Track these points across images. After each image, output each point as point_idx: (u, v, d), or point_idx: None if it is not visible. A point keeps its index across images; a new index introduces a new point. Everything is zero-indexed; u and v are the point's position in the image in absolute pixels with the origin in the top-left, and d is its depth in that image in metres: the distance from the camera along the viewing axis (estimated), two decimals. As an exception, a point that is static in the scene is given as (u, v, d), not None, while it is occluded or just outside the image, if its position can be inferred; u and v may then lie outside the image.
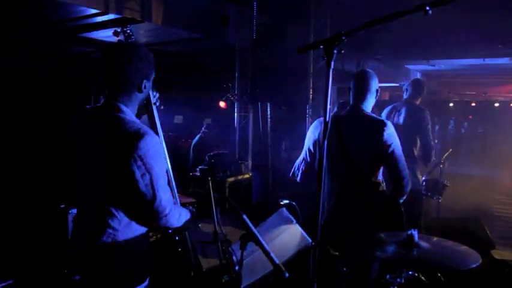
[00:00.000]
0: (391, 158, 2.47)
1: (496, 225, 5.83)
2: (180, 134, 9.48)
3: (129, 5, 5.12)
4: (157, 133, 1.97)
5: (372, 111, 2.63)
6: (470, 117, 12.81)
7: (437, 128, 9.53)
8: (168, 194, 1.75)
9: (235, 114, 7.10)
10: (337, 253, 2.19)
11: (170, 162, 2.09)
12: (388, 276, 2.03)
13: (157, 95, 2.06)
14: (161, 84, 2.21)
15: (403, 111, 4.24)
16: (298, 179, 2.88)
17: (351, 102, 2.63)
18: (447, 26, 7.75)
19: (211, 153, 5.95)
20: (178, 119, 10.75)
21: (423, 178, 4.25)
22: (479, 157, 9.63)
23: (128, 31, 2.66)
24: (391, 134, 2.47)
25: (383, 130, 2.44)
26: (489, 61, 10.07)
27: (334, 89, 7.76)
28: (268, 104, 6.12)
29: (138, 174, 1.65)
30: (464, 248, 1.88)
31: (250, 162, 6.83)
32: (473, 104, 12.59)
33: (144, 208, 1.70)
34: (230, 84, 7.00)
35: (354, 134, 2.52)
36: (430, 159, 4.10)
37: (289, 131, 6.82)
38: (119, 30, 3.14)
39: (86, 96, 7.97)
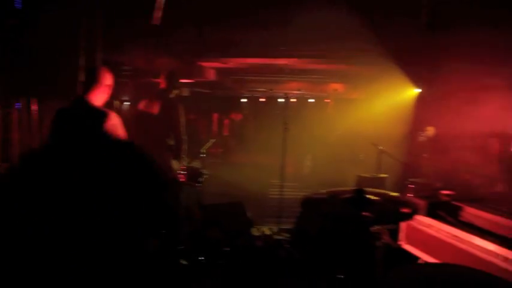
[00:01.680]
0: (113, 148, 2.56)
1: (269, 206, 6.54)
2: None
3: None
4: None
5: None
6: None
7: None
8: None
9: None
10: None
11: None
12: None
13: None
14: None
15: (158, 103, 4.38)
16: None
17: (79, 95, 2.64)
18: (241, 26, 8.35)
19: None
20: None
21: (184, 167, 4.50)
22: (263, 147, 10.59)
23: None
24: (113, 125, 2.56)
25: (103, 121, 2.52)
26: (271, 61, 11.25)
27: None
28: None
29: None
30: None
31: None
32: (262, 100, 14.01)
33: None
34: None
35: (77, 125, 2.54)
36: (181, 151, 4.33)
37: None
38: None
39: None
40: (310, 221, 3.87)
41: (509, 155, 4.35)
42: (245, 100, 14.66)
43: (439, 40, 6.49)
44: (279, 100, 14.48)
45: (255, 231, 5.05)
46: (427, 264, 2.58)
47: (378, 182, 5.73)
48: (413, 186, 4.66)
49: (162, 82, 4.48)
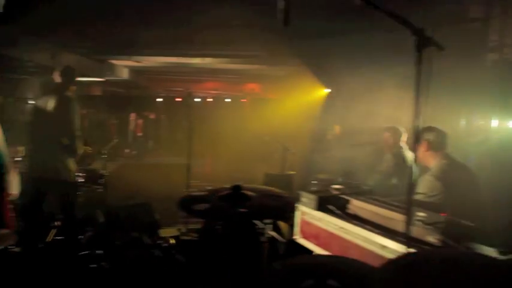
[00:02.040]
0: None
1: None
2: None
3: None
4: None
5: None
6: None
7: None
8: None
9: None
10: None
11: None
12: None
13: None
14: None
15: (52, 100, 4.17)
16: None
17: None
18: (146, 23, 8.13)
19: None
20: None
21: (83, 168, 4.31)
22: (181, 147, 10.51)
23: None
24: None
25: None
26: (184, 60, 11.13)
27: None
28: None
29: None
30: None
31: None
32: (178, 100, 13.84)
33: None
34: None
35: None
36: (75, 150, 4.15)
37: None
38: None
39: None
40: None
41: (399, 149, 4.65)
42: (161, 100, 14.41)
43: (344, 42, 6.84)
44: (196, 100, 14.42)
45: (163, 233, 4.97)
46: (307, 256, 2.68)
47: (286, 179, 5.88)
48: (316, 182, 4.84)
49: (57, 78, 4.25)
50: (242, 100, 14.59)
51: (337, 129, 7.00)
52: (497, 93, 6.14)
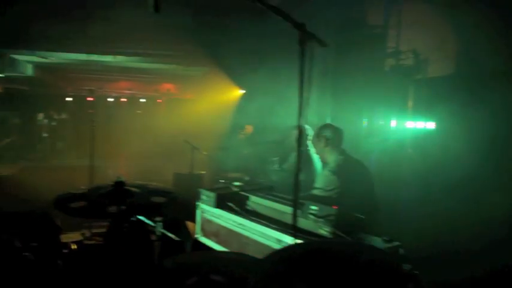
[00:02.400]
0: None
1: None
2: None
3: None
4: None
5: None
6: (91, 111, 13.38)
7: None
8: None
9: None
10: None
11: None
12: None
13: None
14: None
15: None
16: None
17: None
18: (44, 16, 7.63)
19: None
20: None
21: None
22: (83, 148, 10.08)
23: None
24: None
25: None
26: (95, 57, 10.60)
27: None
28: None
29: None
30: None
31: None
32: (90, 99, 13.15)
33: None
34: None
35: None
36: None
37: None
38: None
39: None
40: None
41: (305, 147, 4.79)
42: (70, 99, 13.61)
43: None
44: (109, 100, 13.84)
45: (65, 238, 4.69)
46: (196, 252, 2.66)
47: (196, 179, 5.82)
48: (223, 181, 4.83)
49: None
50: (158, 100, 14.27)
51: (249, 128, 7.07)
52: (394, 96, 6.60)
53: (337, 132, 3.38)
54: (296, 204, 1.70)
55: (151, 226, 1.95)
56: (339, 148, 3.34)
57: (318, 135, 3.40)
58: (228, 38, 7.53)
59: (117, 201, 1.71)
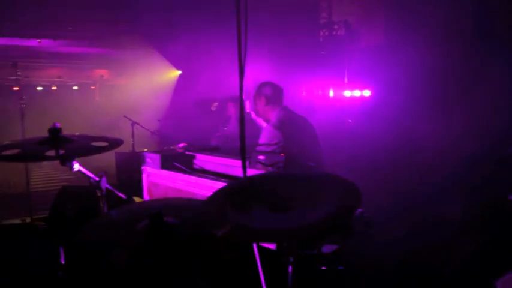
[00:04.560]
0: None
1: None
2: None
3: None
4: None
5: None
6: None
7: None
8: None
9: None
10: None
11: None
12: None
13: None
14: None
15: None
16: None
17: None
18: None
19: None
20: None
21: None
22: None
23: None
24: None
25: None
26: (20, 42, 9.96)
27: None
28: None
29: None
30: None
31: None
32: (16, 89, 12.38)
33: None
34: None
35: None
36: None
37: None
38: None
39: None
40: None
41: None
42: (-6, 89, 12.71)
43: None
44: (38, 88, 13.08)
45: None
46: (145, 201, 2.63)
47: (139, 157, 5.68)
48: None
49: None
50: (91, 87, 13.71)
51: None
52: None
53: (276, 89, 3.40)
54: (244, 154, 1.68)
55: (96, 181, 1.87)
56: (280, 104, 3.38)
57: (258, 93, 3.41)
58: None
59: (55, 146, 1.61)
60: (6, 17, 8.02)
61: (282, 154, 2.58)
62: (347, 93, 6.83)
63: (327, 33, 7.01)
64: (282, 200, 1.37)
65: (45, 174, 8.60)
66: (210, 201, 1.49)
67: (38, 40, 9.86)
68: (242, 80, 1.66)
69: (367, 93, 6.75)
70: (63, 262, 1.64)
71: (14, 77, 7.86)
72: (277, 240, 1.55)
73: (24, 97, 5.40)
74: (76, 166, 1.77)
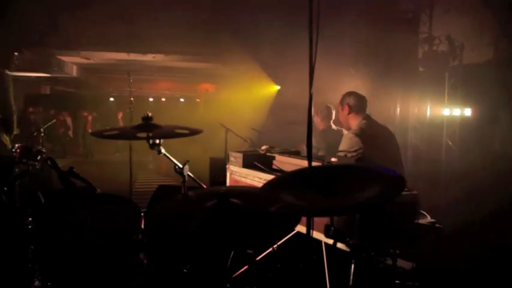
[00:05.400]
0: None
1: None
2: None
3: None
4: None
5: None
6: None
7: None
8: None
9: None
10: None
11: None
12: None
13: None
14: None
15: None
16: None
17: None
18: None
19: None
20: None
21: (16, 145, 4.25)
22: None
23: None
24: None
25: None
26: (134, 57, 11.03)
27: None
28: None
29: None
30: None
31: None
32: (131, 99, 13.75)
33: None
34: None
35: None
36: (12, 122, 4.15)
37: None
38: None
39: None
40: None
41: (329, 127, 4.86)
42: (112, 99, 14.26)
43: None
44: (150, 99, 14.38)
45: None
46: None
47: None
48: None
49: None
50: (196, 100, 14.66)
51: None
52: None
53: (359, 98, 3.43)
54: (310, 148, 1.76)
55: (180, 168, 2.11)
56: (363, 114, 3.40)
57: (341, 102, 3.48)
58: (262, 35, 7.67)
59: (146, 130, 1.90)
60: (124, 35, 8.96)
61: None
62: (446, 112, 6.55)
63: (426, 48, 6.82)
64: (332, 186, 1.48)
65: (147, 177, 9.34)
66: (267, 185, 1.66)
67: (153, 55, 10.86)
68: (312, 86, 1.75)
69: (468, 111, 6.41)
70: (142, 228, 1.90)
71: (129, 89, 8.66)
72: (319, 214, 1.69)
73: (133, 102, 5.96)
74: (163, 150, 2.04)
